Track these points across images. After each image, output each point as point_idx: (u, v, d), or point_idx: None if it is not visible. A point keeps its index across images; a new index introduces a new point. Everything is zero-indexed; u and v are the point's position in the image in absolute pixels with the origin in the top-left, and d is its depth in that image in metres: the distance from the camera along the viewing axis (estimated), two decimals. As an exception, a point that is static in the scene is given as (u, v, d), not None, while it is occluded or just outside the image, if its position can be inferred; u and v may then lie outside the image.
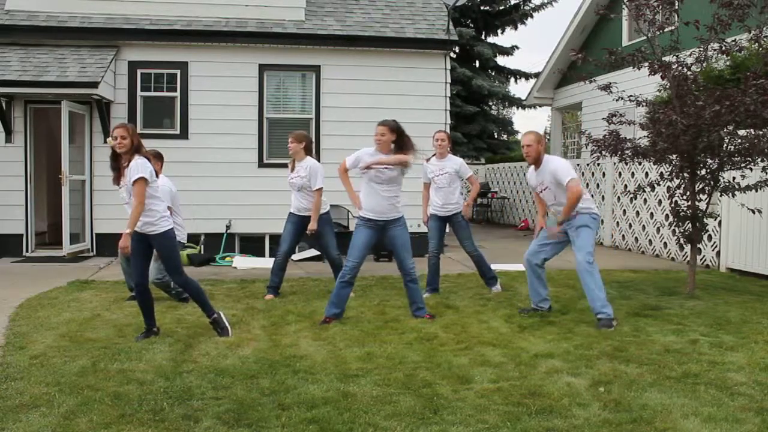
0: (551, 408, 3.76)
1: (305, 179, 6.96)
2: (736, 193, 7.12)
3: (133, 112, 10.30)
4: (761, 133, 6.72)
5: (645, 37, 7.30)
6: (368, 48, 10.73)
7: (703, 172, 7.16)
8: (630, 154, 7.32)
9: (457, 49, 16.30)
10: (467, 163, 19.39)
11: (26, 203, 10.25)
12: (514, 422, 3.56)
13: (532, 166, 6.09)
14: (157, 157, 6.61)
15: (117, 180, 5.33)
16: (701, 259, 9.38)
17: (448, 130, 10.98)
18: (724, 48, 7.02)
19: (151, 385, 4.13)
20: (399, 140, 5.93)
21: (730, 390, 4.05)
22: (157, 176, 6.05)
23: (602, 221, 12.30)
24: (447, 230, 7.42)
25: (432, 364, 4.58)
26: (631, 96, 7.42)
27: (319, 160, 7.28)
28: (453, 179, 7.14)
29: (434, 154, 7.25)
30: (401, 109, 10.67)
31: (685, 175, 7.19)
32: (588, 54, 7.68)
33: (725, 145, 6.94)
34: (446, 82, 10.95)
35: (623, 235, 11.68)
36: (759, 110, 6.51)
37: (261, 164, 10.57)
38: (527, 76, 21.24)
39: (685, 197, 7.28)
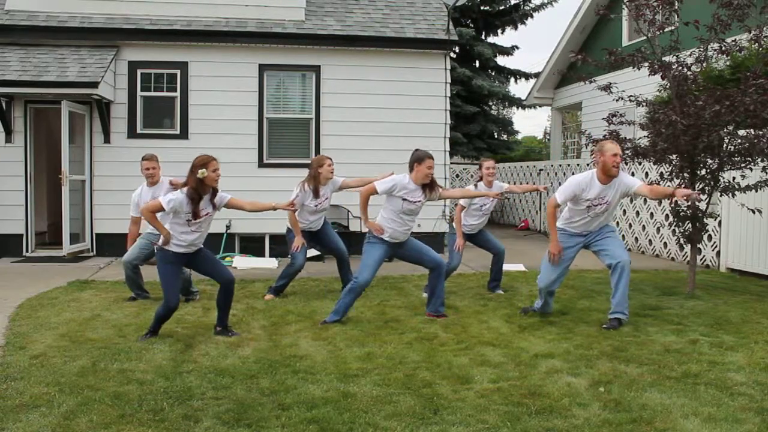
0: (551, 408, 3.76)
1: (329, 201, 7.04)
2: (736, 193, 7.12)
3: (133, 112, 10.31)
4: (761, 133, 6.72)
5: (645, 37, 7.31)
6: (368, 48, 10.72)
7: (703, 172, 7.16)
8: (630, 154, 7.33)
9: (457, 49, 16.28)
10: (467, 164, 19.21)
11: (26, 203, 10.25)
12: (514, 422, 3.56)
13: (594, 178, 5.60)
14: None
15: (197, 214, 5.15)
16: (701, 259, 9.39)
17: (448, 132, 11.01)
18: (724, 48, 7.02)
19: (151, 385, 4.13)
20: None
21: (730, 390, 4.05)
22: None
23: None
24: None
25: (432, 364, 4.58)
26: (631, 96, 7.43)
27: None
28: (493, 204, 7.38)
29: (480, 179, 7.29)
30: (401, 109, 10.72)
31: (685, 175, 7.19)
32: (588, 54, 7.69)
33: (725, 145, 6.94)
34: (446, 82, 10.94)
35: (623, 235, 11.68)
36: (759, 110, 6.51)
37: (261, 164, 10.57)
38: (527, 76, 21.22)
39: (685, 197, 7.28)
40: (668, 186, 7.64)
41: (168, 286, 5.19)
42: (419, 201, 5.89)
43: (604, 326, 5.58)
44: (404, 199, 5.80)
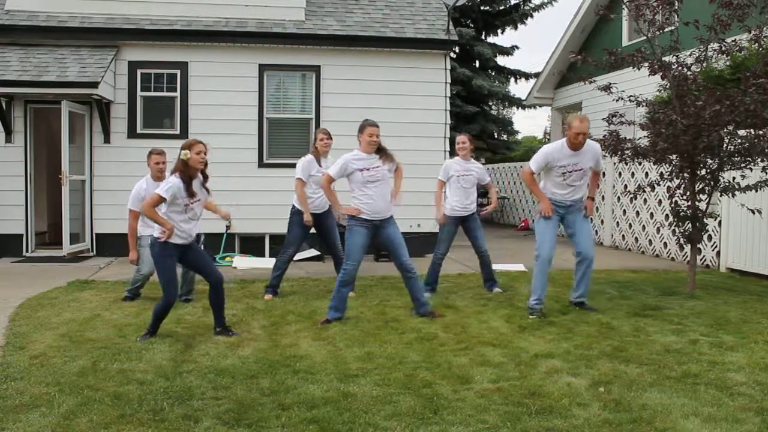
0: (551, 408, 3.76)
1: None
2: (736, 193, 7.12)
3: (133, 112, 10.31)
4: (761, 133, 6.72)
5: (645, 37, 7.30)
6: (368, 48, 10.73)
7: (703, 172, 7.16)
8: (630, 154, 7.32)
9: (457, 49, 16.28)
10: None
11: (26, 203, 10.25)
12: (514, 422, 3.56)
13: (564, 146, 6.07)
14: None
15: (193, 194, 5.26)
16: (701, 259, 9.38)
17: (447, 132, 11.01)
18: (724, 48, 7.02)
19: (151, 385, 4.13)
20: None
21: (730, 390, 4.05)
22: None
23: (602, 221, 12.31)
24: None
25: (432, 364, 4.58)
26: (631, 96, 7.42)
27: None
28: (475, 180, 7.38)
29: (455, 155, 7.45)
30: (401, 109, 10.71)
31: (685, 175, 7.19)
32: (588, 54, 7.69)
33: (725, 145, 6.94)
34: (446, 82, 10.95)
35: (623, 235, 11.68)
36: (759, 110, 6.51)
37: (261, 164, 10.57)
38: (527, 76, 21.23)
39: (685, 197, 7.28)
40: (668, 186, 7.66)
41: (168, 280, 5.21)
42: (379, 167, 5.92)
43: (573, 303, 6.36)
44: (362, 170, 5.87)
